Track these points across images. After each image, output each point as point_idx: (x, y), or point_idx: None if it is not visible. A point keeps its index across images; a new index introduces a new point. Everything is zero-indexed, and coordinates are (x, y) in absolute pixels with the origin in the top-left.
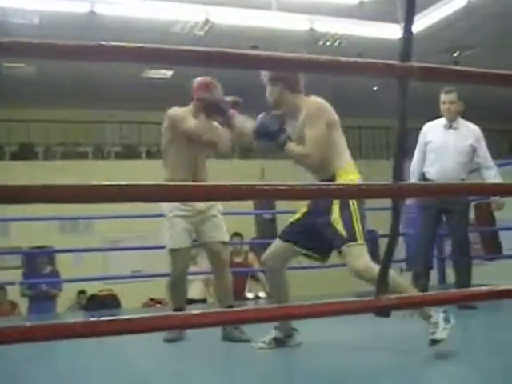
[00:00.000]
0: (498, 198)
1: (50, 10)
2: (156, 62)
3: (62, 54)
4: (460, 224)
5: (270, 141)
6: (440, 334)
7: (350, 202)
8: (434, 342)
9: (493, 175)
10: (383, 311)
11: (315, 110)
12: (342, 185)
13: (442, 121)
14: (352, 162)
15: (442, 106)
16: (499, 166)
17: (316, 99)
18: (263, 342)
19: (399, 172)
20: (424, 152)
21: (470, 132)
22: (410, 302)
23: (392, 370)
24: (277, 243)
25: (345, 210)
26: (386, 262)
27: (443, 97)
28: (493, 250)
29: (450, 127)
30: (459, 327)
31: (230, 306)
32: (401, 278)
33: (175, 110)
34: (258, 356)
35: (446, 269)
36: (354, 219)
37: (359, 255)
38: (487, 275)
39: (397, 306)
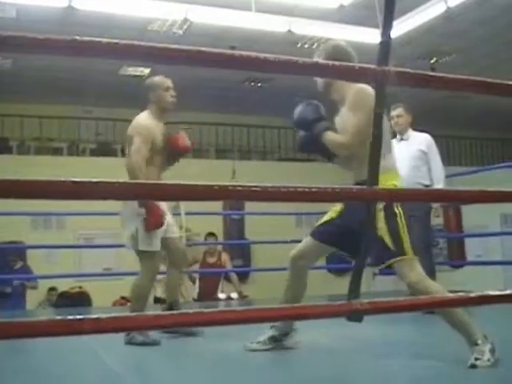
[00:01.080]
0: (438, 205)
1: (27, 4)
2: (129, 58)
3: (34, 47)
4: (418, 229)
5: (308, 131)
6: (482, 364)
7: (396, 209)
8: (474, 366)
9: (435, 181)
10: (355, 316)
11: (360, 96)
12: (315, 188)
13: (396, 136)
14: (395, 166)
15: (391, 122)
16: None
17: (362, 86)
18: (258, 342)
19: (374, 176)
20: None
21: (420, 140)
22: (383, 306)
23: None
24: (308, 242)
25: (391, 219)
26: (359, 266)
27: (391, 113)
28: (457, 255)
29: (402, 139)
30: (426, 332)
31: (175, 302)
32: (430, 282)
33: (141, 129)
34: (231, 360)
35: None
36: (401, 230)
37: (409, 269)
38: (452, 281)
39: (369, 311)
